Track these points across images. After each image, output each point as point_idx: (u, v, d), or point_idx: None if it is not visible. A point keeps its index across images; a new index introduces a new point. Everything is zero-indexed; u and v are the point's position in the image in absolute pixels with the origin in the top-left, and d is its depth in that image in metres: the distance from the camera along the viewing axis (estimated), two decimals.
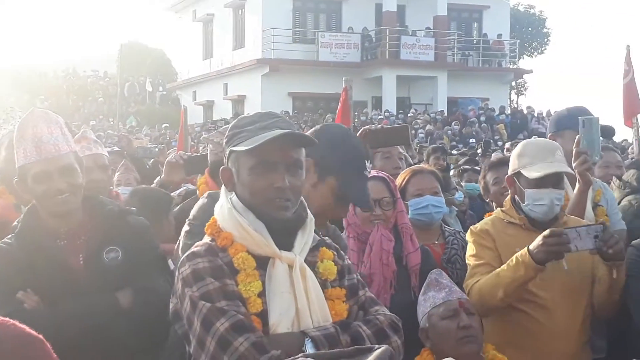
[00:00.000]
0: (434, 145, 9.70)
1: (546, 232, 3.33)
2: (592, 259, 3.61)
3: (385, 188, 3.71)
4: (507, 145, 14.95)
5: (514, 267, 3.39)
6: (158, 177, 6.01)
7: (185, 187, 6.06)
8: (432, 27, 34.87)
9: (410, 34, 34.52)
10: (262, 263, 2.46)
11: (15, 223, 3.21)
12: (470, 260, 3.73)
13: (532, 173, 3.62)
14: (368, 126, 4.64)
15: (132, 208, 3.59)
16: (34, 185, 3.09)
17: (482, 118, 30.42)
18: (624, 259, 3.46)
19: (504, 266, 3.48)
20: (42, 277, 3.04)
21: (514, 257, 3.42)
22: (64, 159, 3.11)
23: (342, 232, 3.56)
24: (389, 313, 2.62)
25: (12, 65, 44.47)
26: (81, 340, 2.92)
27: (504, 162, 4.77)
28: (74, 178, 3.13)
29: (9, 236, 3.17)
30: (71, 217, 3.18)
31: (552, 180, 3.63)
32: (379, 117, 28.81)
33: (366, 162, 3.08)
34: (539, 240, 3.32)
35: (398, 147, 4.93)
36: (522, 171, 3.69)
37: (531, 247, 3.35)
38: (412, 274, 3.68)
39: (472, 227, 3.93)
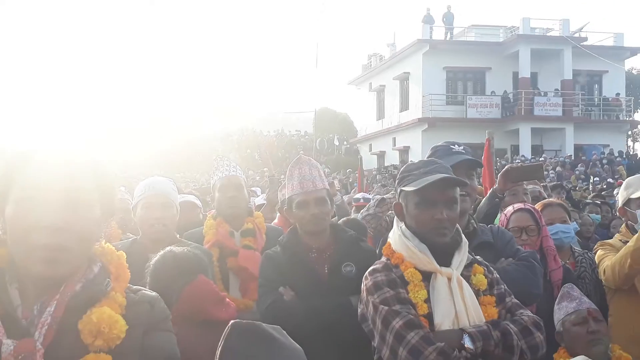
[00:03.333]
0: (553, 183, 9.22)
1: None
2: None
3: (530, 217, 3.65)
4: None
5: (637, 239, 3.33)
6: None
7: None
8: (560, 89, 33.49)
9: (542, 94, 33.32)
10: (427, 277, 2.47)
11: (281, 237, 3.42)
12: (601, 257, 3.70)
13: (636, 194, 3.73)
14: (509, 165, 4.52)
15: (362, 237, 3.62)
16: (296, 211, 3.33)
17: (604, 161, 28.69)
18: None
19: (629, 242, 3.42)
20: (297, 279, 3.19)
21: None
22: (319, 192, 3.33)
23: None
24: (532, 314, 2.55)
25: (235, 129, 46.72)
26: (320, 332, 2.96)
27: None
28: (325, 207, 3.32)
29: (276, 247, 3.38)
30: (321, 236, 3.34)
31: None
32: (516, 161, 27.87)
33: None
34: None
35: (523, 184, 4.72)
36: (630, 197, 3.77)
37: None
38: (554, 287, 3.55)
39: (599, 242, 3.98)
